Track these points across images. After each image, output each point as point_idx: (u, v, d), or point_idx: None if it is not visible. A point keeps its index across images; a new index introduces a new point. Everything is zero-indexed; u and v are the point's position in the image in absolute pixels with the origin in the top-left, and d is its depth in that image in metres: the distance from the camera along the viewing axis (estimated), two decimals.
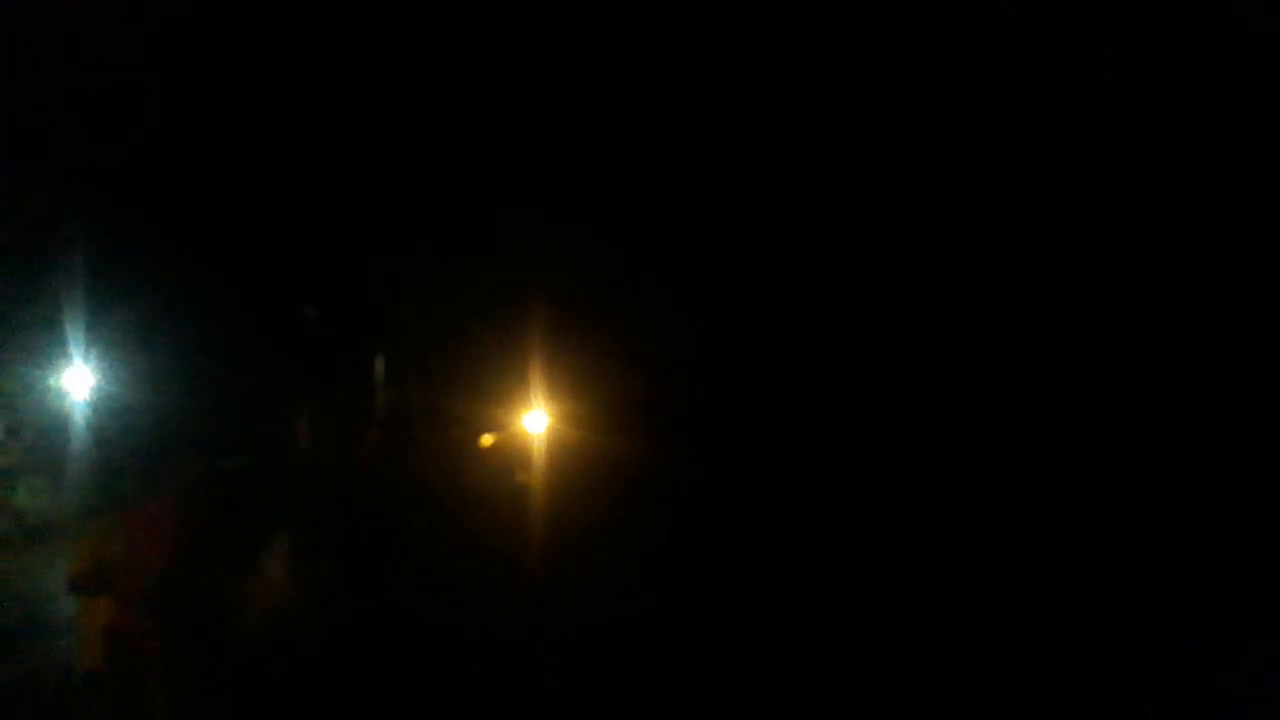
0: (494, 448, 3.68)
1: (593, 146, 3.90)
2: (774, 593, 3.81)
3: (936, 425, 3.90)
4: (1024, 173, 3.79)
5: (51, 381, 3.59)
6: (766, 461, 3.98)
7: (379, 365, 3.68)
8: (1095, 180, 3.75)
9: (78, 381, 3.60)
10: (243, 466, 3.58)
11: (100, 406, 3.60)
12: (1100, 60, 3.62)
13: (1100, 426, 3.70)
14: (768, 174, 4.11)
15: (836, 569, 3.81)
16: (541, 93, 3.81)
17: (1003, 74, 3.72)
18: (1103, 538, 3.62)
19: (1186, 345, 3.62)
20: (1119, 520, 3.60)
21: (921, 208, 4.05)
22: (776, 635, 3.71)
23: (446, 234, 3.71)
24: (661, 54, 3.87)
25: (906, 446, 3.91)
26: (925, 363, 3.98)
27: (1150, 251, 3.70)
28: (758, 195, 4.07)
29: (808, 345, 4.13)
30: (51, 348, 3.56)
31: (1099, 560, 3.58)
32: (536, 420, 3.68)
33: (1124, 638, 3.52)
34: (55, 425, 3.60)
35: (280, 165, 3.69)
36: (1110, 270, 3.73)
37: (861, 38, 3.80)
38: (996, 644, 3.57)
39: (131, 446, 3.62)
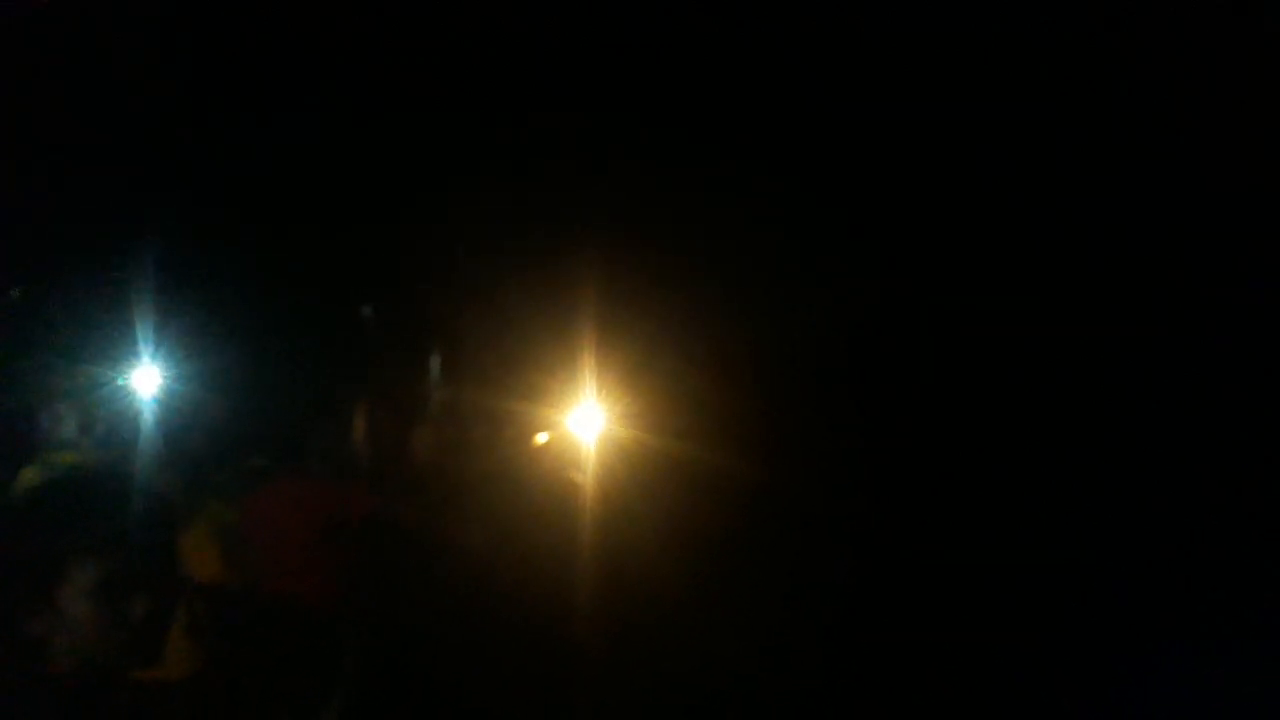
0: (548, 447, 3.60)
1: (656, 134, 3.80)
2: (847, 605, 3.62)
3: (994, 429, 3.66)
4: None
5: (121, 380, 3.68)
6: (840, 464, 3.80)
7: (434, 364, 3.65)
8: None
9: (146, 380, 3.67)
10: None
11: (167, 404, 3.67)
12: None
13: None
14: (847, 164, 3.94)
15: (914, 579, 3.61)
16: (598, 89, 3.72)
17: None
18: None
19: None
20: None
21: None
22: (845, 648, 3.53)
23: (502, 233, 3.66)
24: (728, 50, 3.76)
25: (987, 447, 3.68)
26: (999, 365, 3.75)
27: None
28: (830, 183, 3.90)
29: (887, 340, 3.94)
30: (121, 347, 3.64)
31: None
32: (592, 420, 3.59)
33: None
34: (125, 422, 3.68)
35: (339, 170, 3.71)
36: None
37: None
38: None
39: (197, 443, 3.67)
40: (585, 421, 3.58)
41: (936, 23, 3.50)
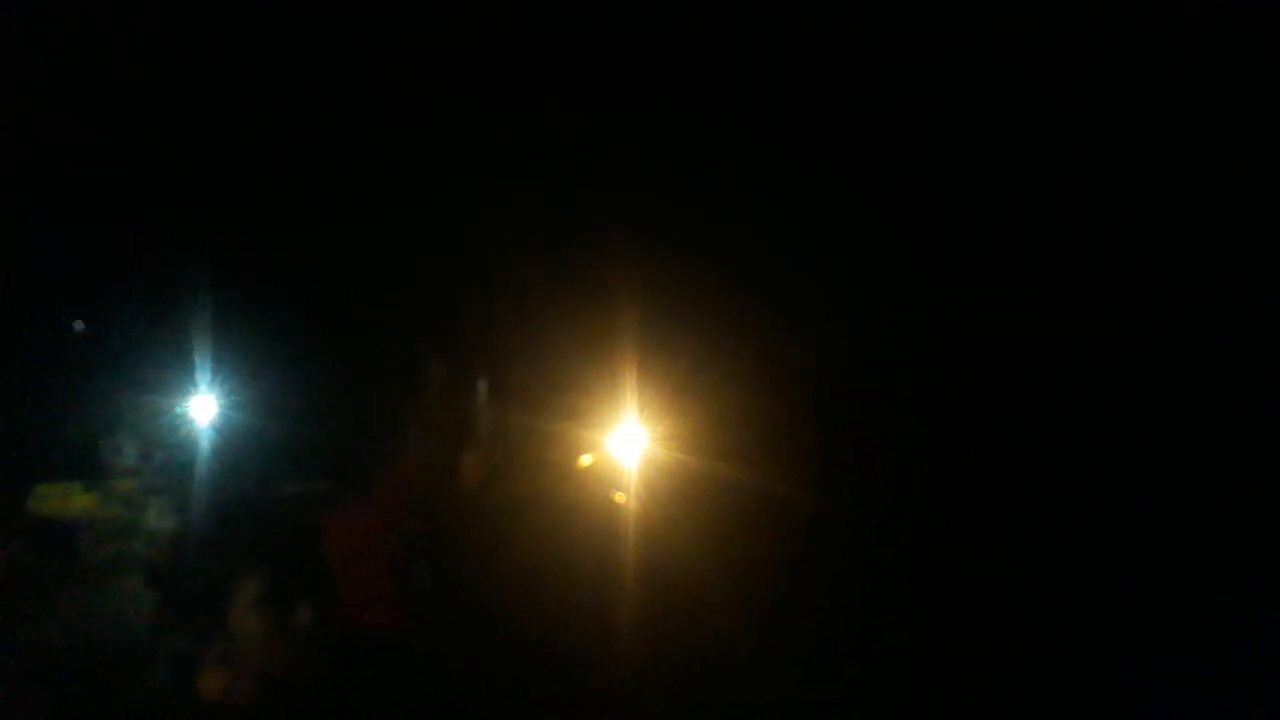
0: (592, 468, 3.60)
1: (704, 149, 3.77)
2: (898, 628, 3.53)
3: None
4: None
5: (179, 408, 3.78)
6: (891, 486, 3.71)
7: (479, 387, 3.67)
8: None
9: (203, 408, 3.76)
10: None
11: (224, 432, 3.75)
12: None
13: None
14: (904, 177, 3.87)
15: (968, 600, 3.50)
16: (643, 101, 3.72)
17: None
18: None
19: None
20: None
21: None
22: (897, 670, 3.43)
23: (544, 252, 3.68)
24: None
25: (1046, 465, 3.56)
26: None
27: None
28: (884, 199, 3.84)
29: (940, 360, 3.84)
30: (178, 376, 3.74)
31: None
32: (635, 441, 3.57)
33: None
34: (183, 450, 3.78)
35: (388, 198, 3.77)
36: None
37: None
38: None
39: (253, 470, 3.75)
40: (628, 443, 3.57)
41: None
